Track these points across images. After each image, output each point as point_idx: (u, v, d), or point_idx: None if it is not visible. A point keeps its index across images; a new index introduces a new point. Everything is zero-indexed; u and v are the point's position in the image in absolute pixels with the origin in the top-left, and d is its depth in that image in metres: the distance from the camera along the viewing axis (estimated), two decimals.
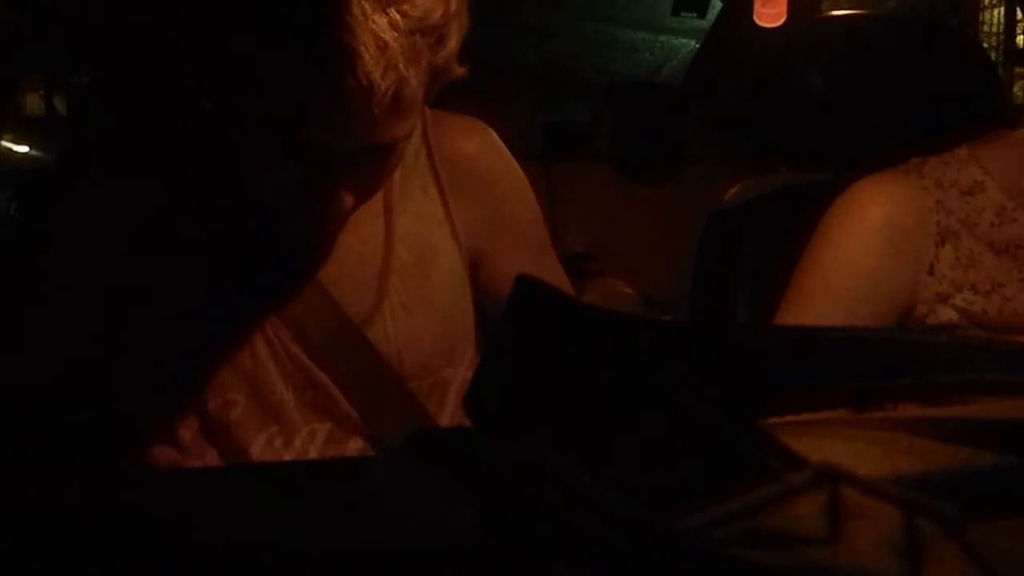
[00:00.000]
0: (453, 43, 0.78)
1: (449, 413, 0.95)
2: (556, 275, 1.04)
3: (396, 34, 0.71)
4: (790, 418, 0.35)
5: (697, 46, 3.76)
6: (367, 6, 0.70)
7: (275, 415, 0.88)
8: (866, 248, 1.03)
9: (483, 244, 0.97)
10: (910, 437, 0.35)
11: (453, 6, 0.76)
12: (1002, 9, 3.42)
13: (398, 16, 0.72)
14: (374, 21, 0.70)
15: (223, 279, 0.88)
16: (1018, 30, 3.40)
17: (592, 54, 4.99)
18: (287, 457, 0.88)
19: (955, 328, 1.00)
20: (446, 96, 0.83)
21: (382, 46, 0.71)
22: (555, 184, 2.72)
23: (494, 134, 1.01)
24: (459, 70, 0.81)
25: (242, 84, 0.75)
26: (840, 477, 0.27)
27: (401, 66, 0.72)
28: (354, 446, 0.90)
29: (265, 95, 0.75)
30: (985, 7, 3.44)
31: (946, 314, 1.02)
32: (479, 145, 0.99)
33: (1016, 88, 3.32)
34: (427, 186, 0.96)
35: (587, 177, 2.79)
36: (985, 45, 3.22)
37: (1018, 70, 3.35)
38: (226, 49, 0.74)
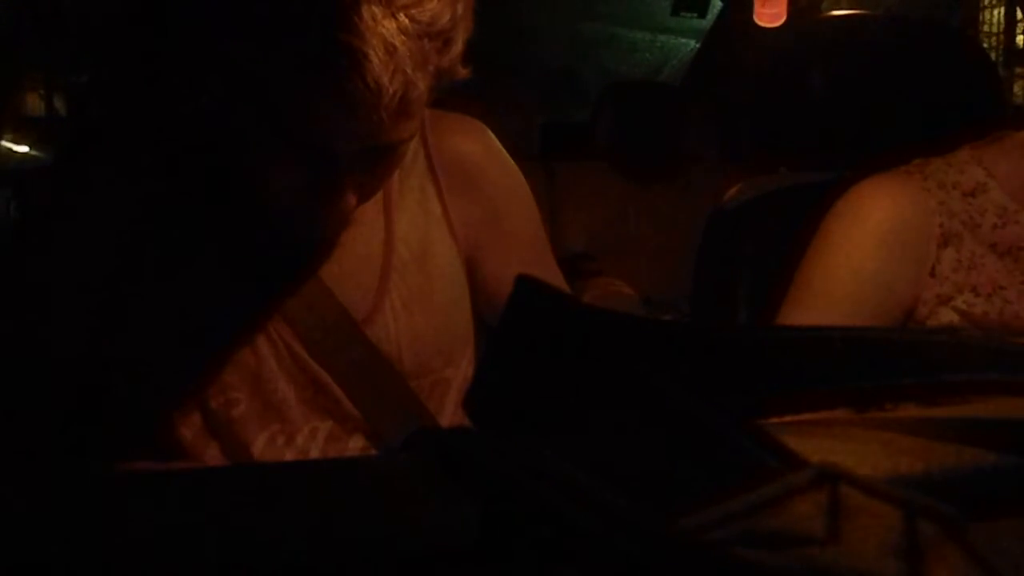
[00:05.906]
0: (459, 46, 0.78)
1: (450, 412, 0.95)
2: (552, 275, 1.04)
3: (404, 38, 0.72)
4: (790, 418, 0.35)
5: (697, 46, 3.76)
6: (377, 11, 0.70)
7: (277, 413, 0.88)
8: (868, 249, 1.03)
9: (479, 243, 0.98)
10: (910, 437, 0.35)
11: (460, 10, 0.77)
12: (1002, 9, 3.42)
13: (407, 20, 0.72)
14: (383, 25, 0.71)
15: (225, 277, 0.88)
16: (1018, 30, 3.39)
17: (592, 54, 4.99)
18: (289, 455, 0.88)
19: (955, 330, 1.00)
20: (445, 96, 0.83)
21: (391, 50, 0.71)
22: (555, 184, 2.72)
23: (491, 134, 1.01)
24: (463, 71, 0.81)
25: (249, 85, 0.75)
26: (840, 477, 0.27)
27: (409, 70, 0.72)
28: (355, 445, 0.90)
29: (273, 97, 0.75)
30: (985, 7, 3.44)
31: (947, 316, 1.02)
32: (476, 145, 0.99)
33: (1016, 88, 3.32)
34: (425, 185, 0.96)
35: (587, 177, 2.79)
36: (985, 45, 3.22)
37: (1018, 70, 3.35)
38: (229, 49, 0.74)
